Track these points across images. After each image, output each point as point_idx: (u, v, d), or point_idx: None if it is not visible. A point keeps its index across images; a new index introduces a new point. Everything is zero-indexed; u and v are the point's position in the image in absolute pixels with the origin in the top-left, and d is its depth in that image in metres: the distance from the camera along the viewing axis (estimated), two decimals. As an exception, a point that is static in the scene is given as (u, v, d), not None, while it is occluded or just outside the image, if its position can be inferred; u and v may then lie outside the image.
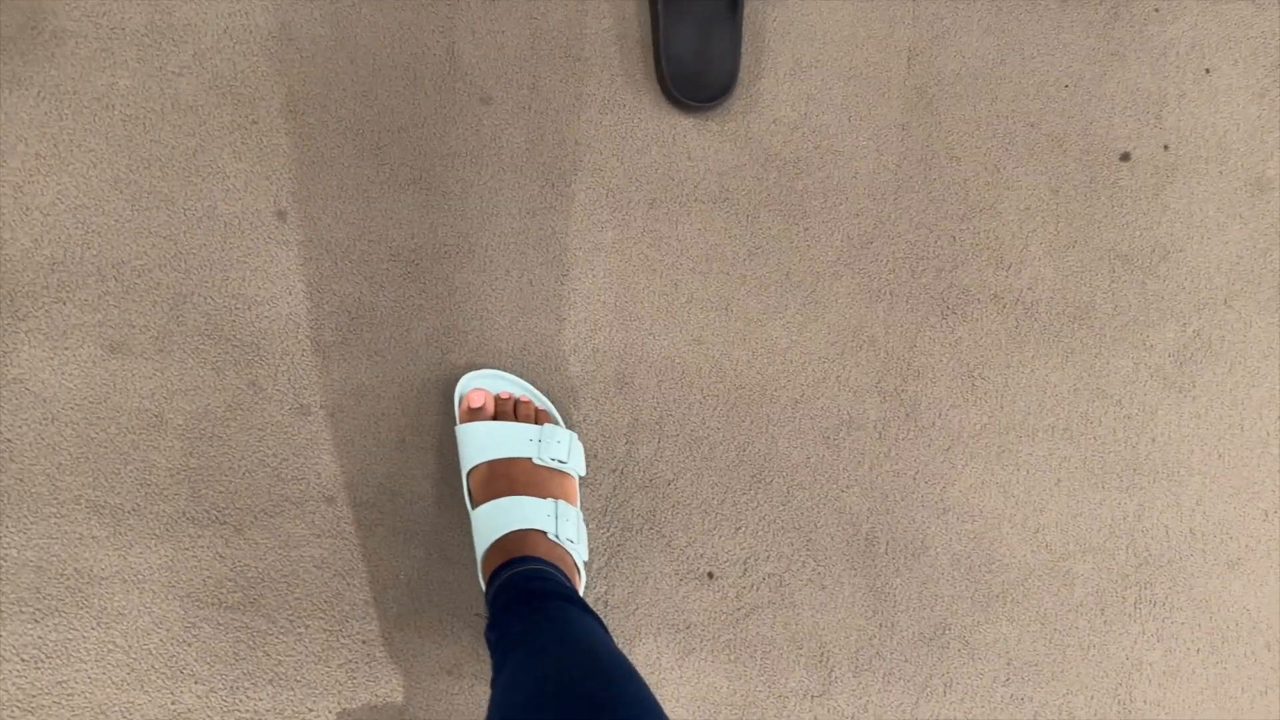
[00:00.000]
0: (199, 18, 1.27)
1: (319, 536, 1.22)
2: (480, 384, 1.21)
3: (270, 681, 1.20)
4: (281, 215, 1.25)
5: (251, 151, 1.26)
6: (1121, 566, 1.28)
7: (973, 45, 1.33)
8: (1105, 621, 1.27)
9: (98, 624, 1.20)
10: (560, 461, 1.17)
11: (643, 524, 1.25)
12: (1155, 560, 1.28)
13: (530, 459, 1.16)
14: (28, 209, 1.23)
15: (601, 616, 1.11)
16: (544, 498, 1.14)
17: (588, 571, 1.23)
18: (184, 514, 1.21)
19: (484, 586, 1.11)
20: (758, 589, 1.25)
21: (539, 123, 1.29)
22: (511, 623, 0.98)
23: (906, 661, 1.25)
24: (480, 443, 1.17)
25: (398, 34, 1.28)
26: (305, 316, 1.24)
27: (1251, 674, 1.27)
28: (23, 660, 1.19)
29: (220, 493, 1.22)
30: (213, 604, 1.21)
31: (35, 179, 1.24)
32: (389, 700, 1.21)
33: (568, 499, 1.17)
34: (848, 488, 1.27)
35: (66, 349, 1.22)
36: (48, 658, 1.19)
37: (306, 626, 1.21)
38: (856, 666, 1.25)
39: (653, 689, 0.89)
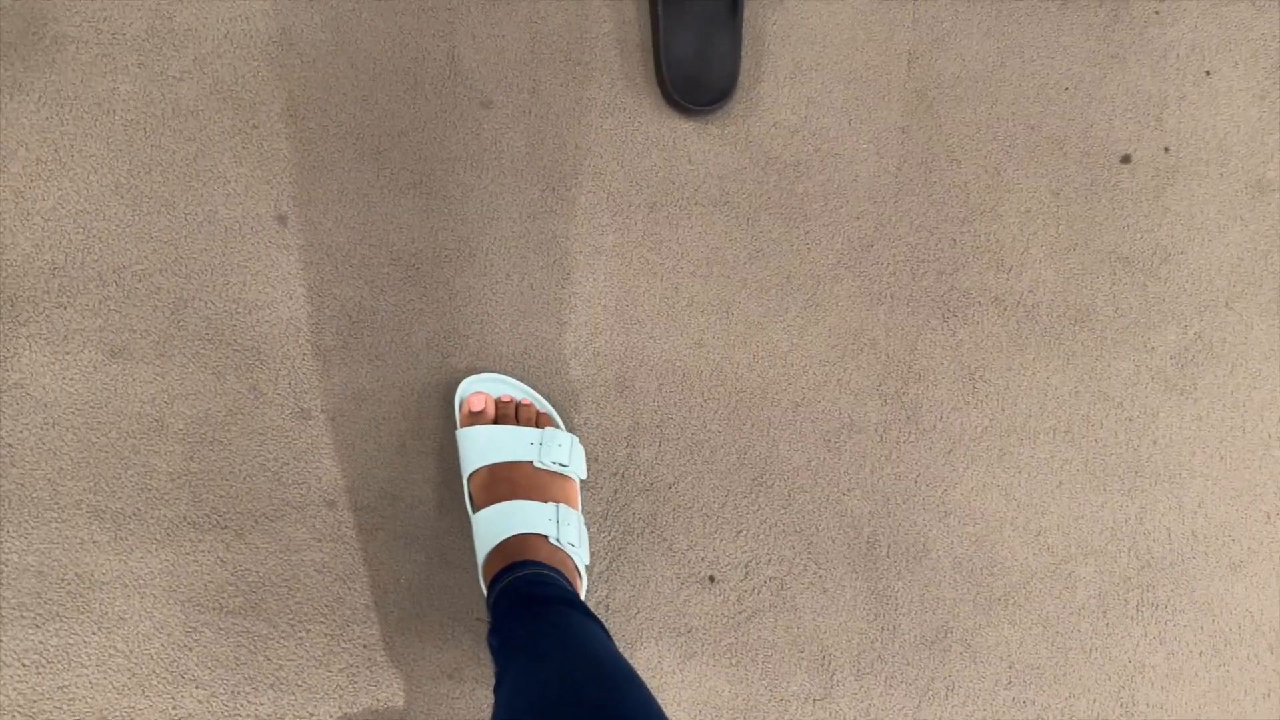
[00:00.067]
0: (199, 23, 1.27)
1: (320, 541, 1.22)
2: (481, 388, 1.21)
3: (271, 686, 1.20)
4: (282, 220, 1.25)
5: (252, 156, 1.26)
6: (1123, 569, 1.27)
7: (973, 48, 1.33)
8: (1107, 624, 1.27)
9: (99, 629, 1.20)
10: (561, 465, 1.17)
11: (644, 528, 1.25)
12: (1157, 563, 1.28)
13: (531, 463, 1.16)
14: (29, 214, 1.23)
15: (603, 620, 1.11)
16: (545, 502, 1.14)
17: (589, 575, 1.22)
18: (185, 519, 1.21)
19: (485, 591, 1.10)
20: (759, 592, 1.25)
21: (539, 127, 1.29)
22: (514, 628, 0.98)
23: (908, 665, 1.25)
24: (481, 447, 1.17)
25: (398, 38, 1.28)
26: (306, 321, 1.24)
27: (1254, 676, 1.27)
28: (24, 665, 1.19)
29: (221, 497, 1.22)
30: (214, 609, 1.20)
31: (36, 184, 1.24)
32: (390, 704, 1.21)
33: (569, 503, 1.16)
34: (849, 491, 1.27)
35: (67, 354, 1.22)
36: (49, 663, 1.19)
37: (307, 631, 1.21)
38: (858, 670, 1.25)
39: (654, 693, 0.89)
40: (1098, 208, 1.32)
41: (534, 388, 1.24)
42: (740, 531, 1.26)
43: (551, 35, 1.30)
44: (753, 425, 1.27)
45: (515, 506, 1.12)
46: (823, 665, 1.24)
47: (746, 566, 1.25)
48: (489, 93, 1.29)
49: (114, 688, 1.19)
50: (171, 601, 1.20)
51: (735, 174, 1.30)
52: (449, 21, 1.29)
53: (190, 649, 1.20)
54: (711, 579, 1.25)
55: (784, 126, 1.31)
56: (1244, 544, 1.28)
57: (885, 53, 1.33)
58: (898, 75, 1.32)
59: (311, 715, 1.20)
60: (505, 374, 1.24)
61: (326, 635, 1.21)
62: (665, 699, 1.22)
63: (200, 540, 1.21)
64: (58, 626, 1.19)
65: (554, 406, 1.24)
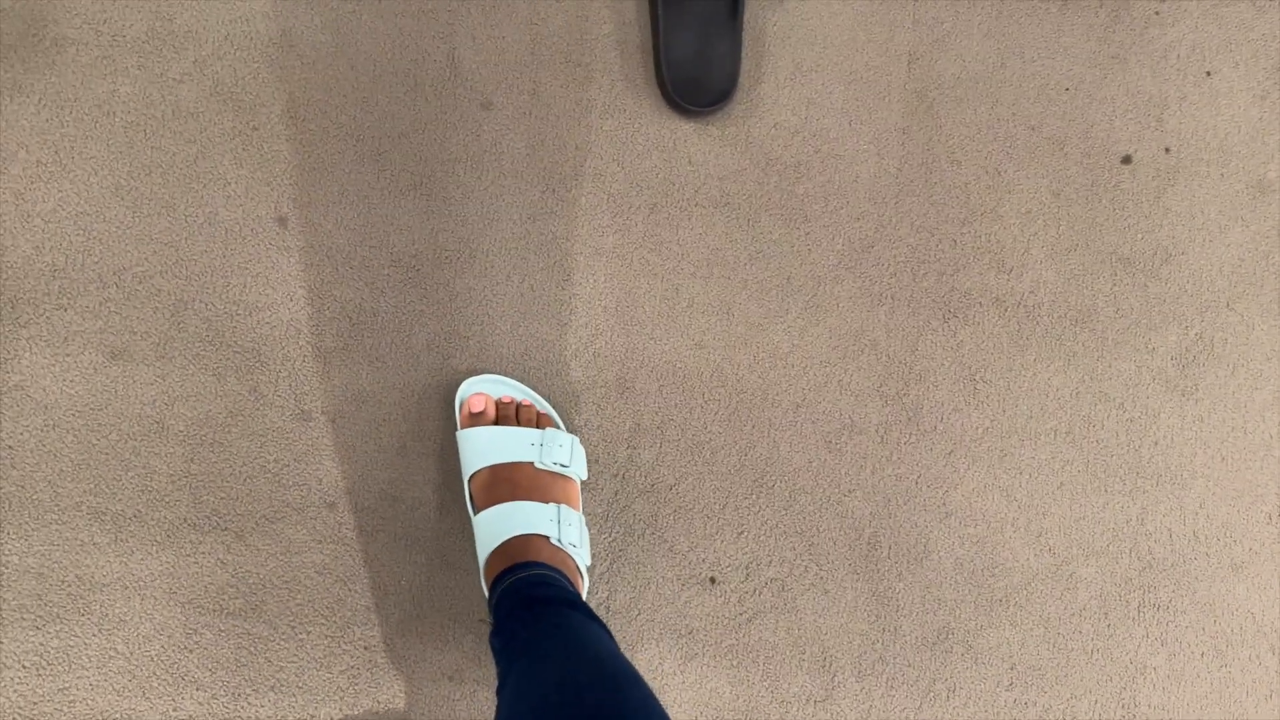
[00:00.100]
0: (200, 25, 1.27)
1: (320, 542, 1.22)
2: (481, 389, 1.21)
3: (272, 688, 1.20)
4: (282, 221, 1.25)
5: (252, 158, 1.26)
6: (1125, 570, 1.27)
7: (973, 49, 1.33)
8: (1109, 625, 1.26)
9: (99, 631, 1.19)
10: (562, 465, 1.16)
11: (644, 529, 1.25)
12: (1159, 564, 1.27)
13: (532, 463, 1.16)
14: (29, 216, 1.23)
15: (603, 622, 1.11)
16: (546, 502, 1.14)
17: (590, 576, 1.22)
18: (185, 520, 1.21)
19: (487, 592, 1.10)
20: (760, 594, 1.25)
21: (539, 128, 1.29)
22: (516, 630, 0.98)
23: (910, 666, 1.25)
24: (481, 448, 1.17)
25: (398, 40, 1.28)
26: (306, 322, 1.24)
27: (1256, 678, 1.27)
28: (24, 667, 1.19)
29: (221, 499, 1.22)
30: (214, 610, 1.20)
31: (36, 186, 1.24)
32: (391, 706, 1.20)
33: (570, 503, 1.16)
34: (850, 492, 1.27)
35: (68, 355, 1.22)
36: (49, 665, 1.19)
37: (308, 633, 1.21)
38: (860, 671, 1.24)
39: (656, 695, 0.89)
40: (1098, 208, 1.32)
41: (535, 389, 1.24)
42: (741, 533, 1.25)
43: (551, 37, 1.30)
44: (753, 426, 1.27)
45: (516, 507, 1.12)
46: (824, 667, 1.24)
47: (747, 568, 1.25)
48: (489, 94, 1.29)
49: (114, 690, 1.19)
50: (172, 603, 1.20)
51: (735, 175, 1.30)
52: (449, 23, 1.29)
53: (191, 651, 1.20)
54: (712, 580, 1.25)
55: (784, 127, 1.31)
56: (1246, 545, 1.28)
57: (885, 54, 1.32)
58: (898, 76, 1.32)
59: (312, 717, 1.20)
60: (506, 375, 1.23)
61: (327, 637, 1.21)
62: (666, 701, 1.22)
63: (201, 542, 1.21)
64: (58, 628, 1.19)
65: (554, 408, 1.24)
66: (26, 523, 1.20)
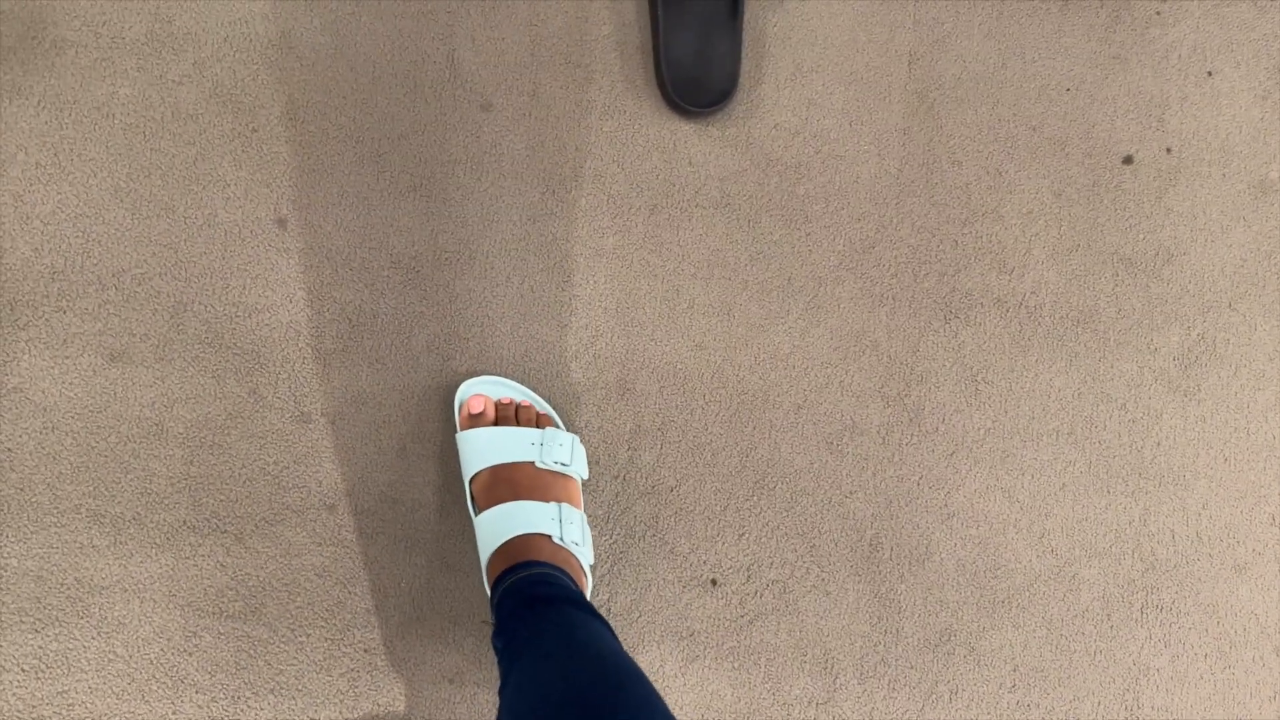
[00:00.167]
0: (199, 26, 1.27)
1: (320, 545, 1.22)
2: (480, 390, 1.21)
3: (272, 691, 1.19)
4: (282, 223, 1.25)
5: (252, 159, 1.26)
6: (1128, 571, 1.27)
7: (973, 49, 1.33)
8: (1112, 627, 1.26)
9: (98, 634, 1.19)
10: (563, 464, 1.16)
11: (645, 531, 1.24)
12: (1161, 565, 1.27)
13: (533, 463, 1.16)
14: (28, 218, 1.23)
15: (606, 620, 1.10)
16: (547, 501, 1.13)
17: (593, 576, 1.22)
18: (185, 523, 1.21)
19: (489, 593, 1.10)
20: (761, 596, 1.24)
21: (539, 129, 1.29)
22: (517, 629, 0.97)
23: (912, 668, 1.24)
24: (482, 449, 1.17)
25: (398, 41, 1.28)
26: (306, 324, 1.24)
27: (1259, 679, 1.26)
28: (23, 670, 1.18)
29: (221, 501, 1.21)
30: (214, 613, 1.20)
31: (35, 188, 1.24)
32: (391, 709, 1.20)
33: (571, 502, 1.16)
34: (851, 493, 1.26)
35: (67, 358, 1.22)
36: (48, 668, 1.18)
37: (308, 635, 1.20)
38: (861, 673, 1.24)
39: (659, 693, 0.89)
40: (1100, 209, 1.31)
41: (535, 390, 1.24)
42: (742, 534, 1.25)
43: (551, 38, 1.30)
44: (754, 428, 1.26)
45: (518, 507, 1.12)
46: (826, 669, 1.24)
47: (748, 570, 1.25)
48: (489, 95, 1.29)
49: (114, 693, 1.19)
50: (171, 606, 1.20)
51: (736, 176, 1.29)
52: (448, 24, 1.29)
53: (190, 654, 1.19)
54: (713, 582, 1.24)
55: (785, 128, 1.31)
56: (1249, 546, 1.28)
57: (886, 54, 1.32)
58: (899, 77, 1.32)
59: (312, 720, 1.20)
60: (505, 377, 1.23)
61: (327, 640, 1.20)
62: (667, 703, 1.21)
63: (200, 545, 1.21)
64: (57, 631, 1.19)
65: (555, 409, 1.23)
66: (25, 525, 1.20)
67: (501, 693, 0.93)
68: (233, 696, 1.19)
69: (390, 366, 1.24)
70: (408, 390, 1.24)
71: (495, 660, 1.02)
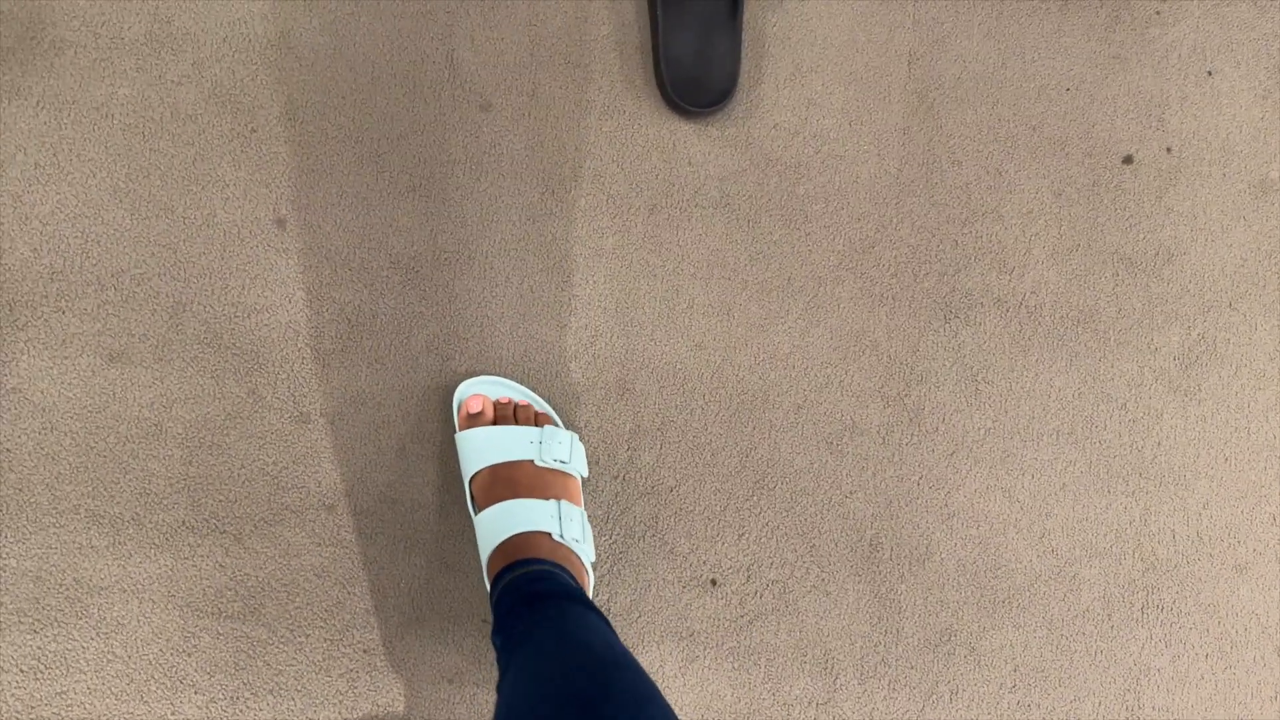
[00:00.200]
0: (198, 27, 1.27)
1: (319, 545, 1.21)
2: (478, 390, 1.21)
3: (270, 691, 1.19)
4: (281, 223, 1.25)
5: (251, 160, 1.26)
6: (1128, 571, 1.26)
7: (973, 49, 1.33)
8: (1112, 627, 1.26)
9: (97, 634, 1.19)
10: (562, 462, 1.16)
11: (645, 531, 1.24)
12: (1162, 565, 1.27)
13: (532, 461, 1.16)
14: (27, 218, 1.23)
15: (604, 614, 1.10)
16: (547, 499, 1.13)
17: (596, 573, 1.22)
18: (183, 523, 1.21)
19: (489, 591, 1.10)
20: (761, 596, 1.24)
21: (538, 129, 1.29)
22: (515, 625, 0.98)
23: (912, 668, 1.24)
24: (481, 448, 1.16)
25: (397, 42, 1.28)
26: (305, 324, 1.24)
27: (1261, 679, 1.26)
28: (22, 671, 1.18)
29: (220, 501, 1.21)
30: (212, 614, 1.20)
31: (34, 188, 1.23)
32: (390, 710, 1.20)
33: (571, 499, 1.16)
34: (851, 493, 1.26)
35: (66, 358, 1.22)
36: (47, 668, 1.18)
37: (307, 636, 1.20)
38: (862, 674, 1.24)
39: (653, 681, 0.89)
40: (1100, 208, 1.31)
41: (534, 390, 1.23)
42: (742, 535, 1.25)
43: (550, 38, 1.30)
44: (754, 428, 1.26)
45: (517, 505, 1.12)
46: (826, 669, 1.23)
47: (748, 570, 1.24)
48: (488, 95, 1.29)
49: (112, 693, 1.18)
50: (170, 607, 1.20)
51: (735, 176, 1.29)
52: (448, 24, 1.29)
53: (189, 654, 1.19)
54: (713, 582, 1.24)
55: (784, 128, 1.30)
56: (1249, 546, 1.27)
57: (885, 54, 1.32)
58: (898, 77, 1.32)
59: (311, 721, 1.20)
60: (504, 376, 1.23)
61: (326, 640, 1.20)
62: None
63: (199, 545, 1.21)
64: (56, 632, 1.19)
65: (554, 409, 1.23)
66: (24, 526, 1.20)
67: (499, 689, 0.93)
68: (231, 697, 1.19)
69: (389, 367, 1.24)
70: (407, 390, 1.24)
71: (495, 659, 1.02)
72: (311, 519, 1.22)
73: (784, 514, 1.25)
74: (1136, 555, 1.27)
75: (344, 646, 1.20)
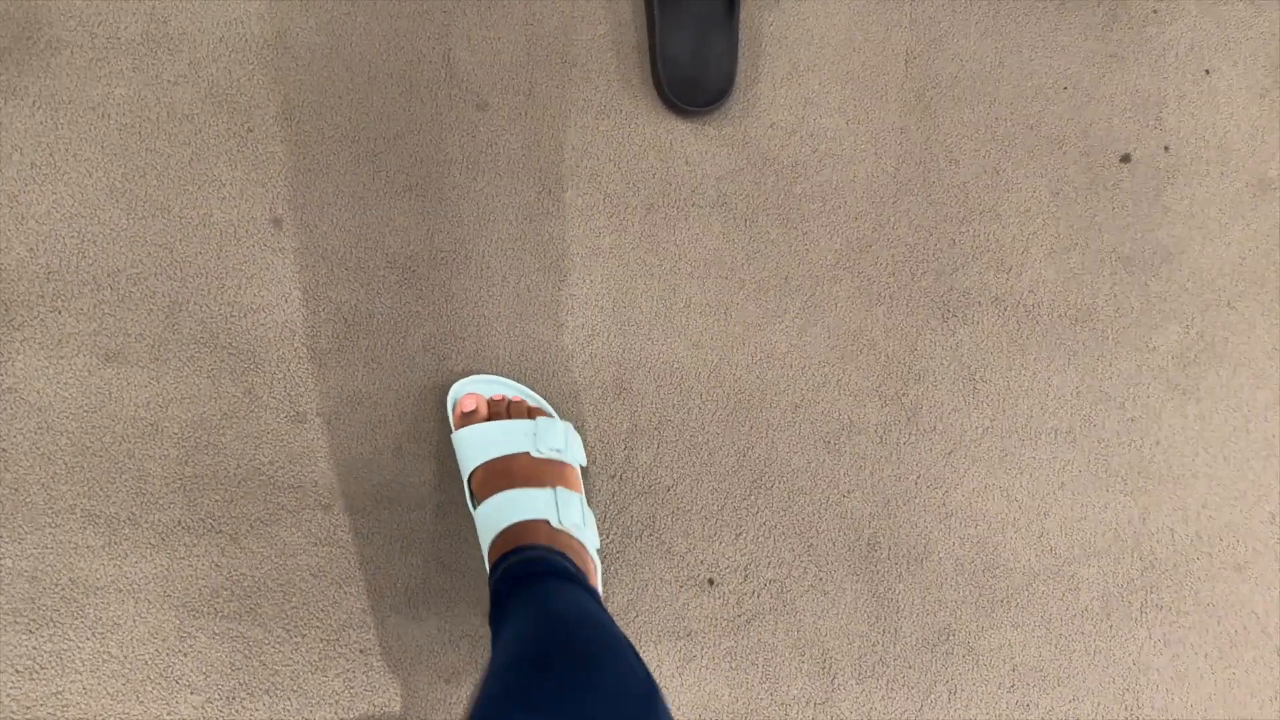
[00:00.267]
0: (194, 27, 1.27)
1: (316, 545, 1.21)
2: (472, 389, 1.21)
3: (267, 692, 1.19)
4: (277, 223, 1.25)
5: (247, 159, 1.26)
6: (1127, 571, 1.26)
7: (970, 48, 1.33)
8: (1111, 626, 1.25)
9: (93, 634, 1.19)
10: (557, 450, 1.16)
11: (642, 530, 1.24)
12: (1161, 564, 1.26)
13: (528, 453, 1.15)
14: (23, 218, 1.23)
15: (596, 591, 1.10)
16: (543, 487, 1.13)
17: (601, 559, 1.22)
18: (179, 523, 1.20)
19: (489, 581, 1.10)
20: (759, 595, 1.24)
21: (535, 128, 1.28)
22: (504, 607, 0.99)
23: (910, 668, 1.24)
24: (477, 445, 1.16)
25: (393, 41, 1.28)
26: (301, 324, 1.24)
27: (1260, 679, 1.26)
28: (17, 671, 1.18)
29: (216, 501, 1.21)
30: (208, 613, 1.20)
31: (31, 188, 1.23)
32: (387, 710, 1.19)
33: (569, 487, 1.15)
34: (849, 493, 1.26)
35: (62, 358, 1.22)
36: (42, 669, 1.18)
37: (303, 636, 1.20)
38: (860, 673, 1.23)
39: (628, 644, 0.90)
40: (1098, 207, 1.31)
41: (531, 389, 1.23)
42: (739, 534, 1.25)
43: (547, 37, 1.29)
44: (751, 427, 1.26)
45: (515, 494, 1.12)
46: (823, 669, 1.23)
47: (746, 569, 1.24)
48: (485, 95, 1.28)
49: (108, 693, 1.18)
50: (166, 606, 1.19)
51: (732, 175, 1.29)
52: (444, 24, 1.29)
53: (185, 654, 1.19)
54: (711, 582, 1.24)
55: (781, 127, 1.30)
56: (1249, 545, 1.27)
57: (883, 53, 1.32)
58: (895, 76, 1.32)
59: (307, 721, 1.19)
60: (500, 376, 1.23)
61: (322, 640, 1.20)
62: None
63: (195, 545, 1.20)
64: (51, 632, 1.19)
65: (552, 408, 1.23)
66: (20, 526, 1.19)
67: None
68: (227, 697, 1.19)
69: (386, 366, 1.24)
70: (404, 390, 1.24)
71: None
72: (308, 519, 1.21)
73: (781, 513, 1.25)
74: (1135, 554, 1.26)
75: (340, 646, 1.20)
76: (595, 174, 1.28)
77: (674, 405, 1.26)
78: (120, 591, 1.19)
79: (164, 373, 1.22)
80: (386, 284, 1.25)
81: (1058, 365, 1.28)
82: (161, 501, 1.21)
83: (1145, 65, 1.33)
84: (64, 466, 1.20)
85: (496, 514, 1.12)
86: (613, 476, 1.25)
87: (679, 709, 1.21)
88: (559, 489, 1.13)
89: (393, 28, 1.28)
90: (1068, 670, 1.24)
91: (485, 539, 1.12)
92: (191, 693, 1.18)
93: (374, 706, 1.20)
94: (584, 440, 1.24)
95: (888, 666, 1.24)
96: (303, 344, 1.23)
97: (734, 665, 1.23)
